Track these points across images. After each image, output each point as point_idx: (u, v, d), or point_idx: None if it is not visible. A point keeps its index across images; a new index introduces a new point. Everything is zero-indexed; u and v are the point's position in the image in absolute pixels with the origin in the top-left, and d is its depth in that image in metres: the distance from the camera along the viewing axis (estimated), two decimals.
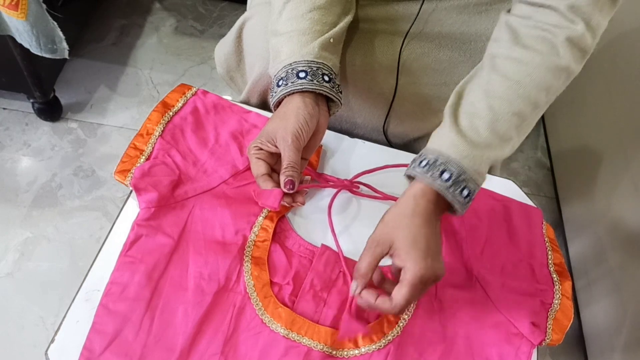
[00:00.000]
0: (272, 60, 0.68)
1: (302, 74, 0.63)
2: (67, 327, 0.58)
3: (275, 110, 0.66)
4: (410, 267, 0.55)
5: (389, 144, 0.87)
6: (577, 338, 1.24)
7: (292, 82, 0.63)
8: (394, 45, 0.78)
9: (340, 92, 0.67)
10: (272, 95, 0.66)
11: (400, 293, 0.55)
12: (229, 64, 0.86)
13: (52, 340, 0.57)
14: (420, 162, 0.59)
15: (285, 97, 0.64)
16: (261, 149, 0.64)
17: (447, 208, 0.60)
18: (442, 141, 0.60)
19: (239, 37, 0.81)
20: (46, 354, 0.56)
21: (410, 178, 0.62)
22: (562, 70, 0.60)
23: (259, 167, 0.64)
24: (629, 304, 1.07)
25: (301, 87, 0.63)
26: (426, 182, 0.58)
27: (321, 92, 0.64)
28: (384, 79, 0.79)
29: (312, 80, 0.63)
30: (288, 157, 0.62)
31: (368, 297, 0.57)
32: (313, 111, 0.63)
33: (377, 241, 0.58)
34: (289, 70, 0.64)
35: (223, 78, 0.90)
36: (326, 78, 0.64)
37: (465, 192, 0.58)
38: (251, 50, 0.80)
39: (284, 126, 0.62)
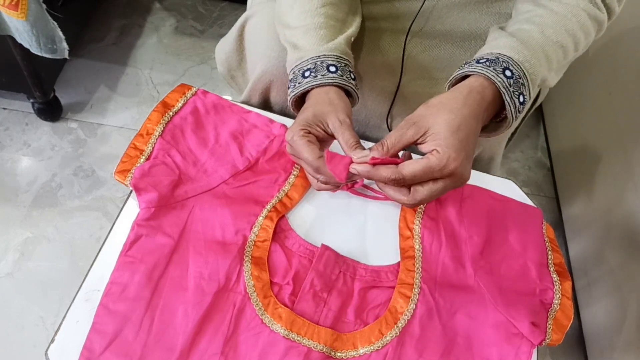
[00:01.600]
0: (290, 51, 0.67)
1: (332, 68, 0.62)
2: (67, 327, 0.58)
3: (294, 102, 0.65)
4: (442, 151, 0.51)
5: None
6: (577, 338, 1.24)
7: (322, 75, 0.62)
8: (396, 43, 0.78)
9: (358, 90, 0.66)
10: (296, 85, 0.64)
11: (410, 167, 0.51)
12: (230, 63, 0.86)
13: (52, 340, 0.57)
14: (478, 60, 0.57)
15: (313, 89, 0.63)
16: (310, 132, 0.59)
17: (494, 114, 0.58)
18: (500, 44, 0.58)
19: (241, 35, 0.81)
20: (46, 354, 0.56)
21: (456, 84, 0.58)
22: (598, 21, 0.64)
23: (314, 150, 0.58)
24: (629, 304, 1.07)
25: (333, 80, 0.62)
26: (487, 76, 0.55)
27: (348, 87, 0.63)
28: (387, 76, 0.79)
29: (342, 76, 0.62)
30: (353, 135, 0.57)
31: (378, 171, 0.53)
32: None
33: (414, 121, 0.54)
34: (318, 63, 0.63)
35: (224, 77, 0.90)
36: (352, 75, 0.64)
37: (521, 99, 0.56)
38: (253, 49, 0.80)
39: (335, 109, 0.59)
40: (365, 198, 0.73)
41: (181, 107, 0.73)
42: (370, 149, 0.55)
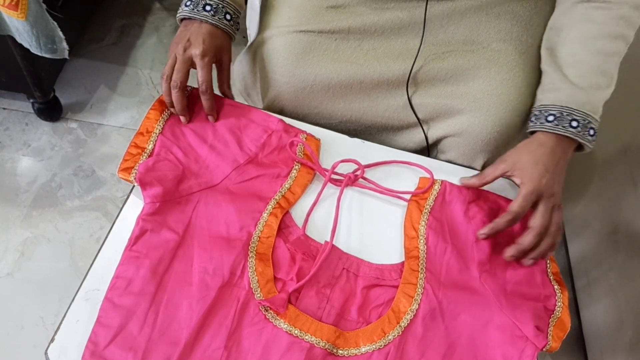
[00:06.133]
0: None
1: (227, 16, 0.74)
2: (67, 326, 0.58)
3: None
4: (526, 182, 0.66)
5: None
6: (577, 338, 1.24)
7: (219, 18, 0.73)
8: (408, 54, 0.79)
9: (234, 27, 0.75)
10: (185, 5, 0.75)
11: (515, 203, 0.66)
12: (246, 82, 0.88)
13: (52, 340, 0.57)
14: (547, 117, 0.69)
15: (193, 18, 0.74)
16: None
17: (574, 146, 0.70)
18: (560, 95, 0.69)
19: (254, 59, 0.83)
20: (46, 353, 0.56)
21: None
22: None
23: (211, 76, 0.71)
24: (629, 304, 1.07)
25: (224, 27, 0.73)
26: (558, 133, 0.68)
27: (231, 34, 0.75)
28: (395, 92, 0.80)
29: (232, 26, 0.75)
30: (231, 74, 0.77)
31: (488, 228, 0.67)
32: None
33: (505, 159, 0.70)
34: (220, 7, 0.73)
35: (241, 94, 0.91)
36: (237, 27, 0.76)
37: (592, 132, 0.68)
38: (265, 74, 0.82)
39: (226, 48, 0.75)
40: (369, 195, 0.73)
41: None
42: (472, 176, 0.73)
